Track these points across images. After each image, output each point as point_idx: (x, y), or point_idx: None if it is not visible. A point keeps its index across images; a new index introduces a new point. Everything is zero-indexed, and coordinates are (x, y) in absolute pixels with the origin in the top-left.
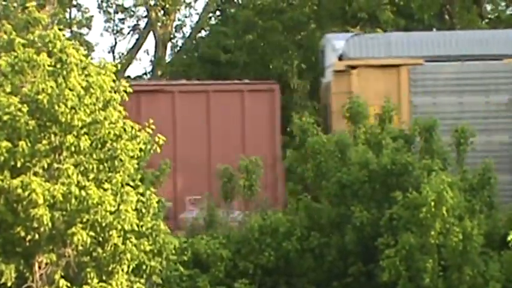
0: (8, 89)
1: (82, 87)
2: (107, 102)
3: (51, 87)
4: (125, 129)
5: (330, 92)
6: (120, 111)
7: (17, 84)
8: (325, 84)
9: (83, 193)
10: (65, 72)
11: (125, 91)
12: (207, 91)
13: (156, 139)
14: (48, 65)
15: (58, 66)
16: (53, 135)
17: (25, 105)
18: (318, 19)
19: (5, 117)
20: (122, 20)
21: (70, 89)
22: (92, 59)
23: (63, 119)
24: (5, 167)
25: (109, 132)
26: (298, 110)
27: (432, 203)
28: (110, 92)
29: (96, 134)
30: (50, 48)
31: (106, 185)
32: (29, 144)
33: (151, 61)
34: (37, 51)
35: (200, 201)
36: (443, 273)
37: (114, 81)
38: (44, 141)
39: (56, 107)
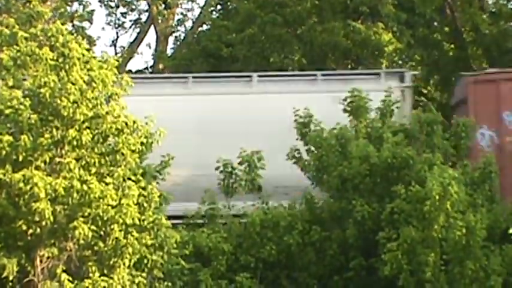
0: (10, 83)
1: (84, 81)
2: (109, 97)
3: (53, 81)
4: (126, 124)
5: None
6: (122, 106)
7: (19, 78)
8: None
9: (85, 187)
10: (67, 66)
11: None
12: None
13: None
14: (51, 59)
15: (60, 60)
16: (55, 129)
17: (27, 99)
18: (319, 13)
19: (7, 111)
20: (123, 14)
21: (72, 83)
22: (93, 53)
23: (65, 113)
24: (7, 161)
25: (111, 127)
26: None
27: (437, 197)
28: (112, 86)
29: (98, 128)
30: (53, 42)
31: (108, 179)
32: (31, 138)
33: (153, 55)
34: (39, 45)
35: None
36: (444, 267)
37: (116, 75)
38: (46, 135)
39: (58, 101)
